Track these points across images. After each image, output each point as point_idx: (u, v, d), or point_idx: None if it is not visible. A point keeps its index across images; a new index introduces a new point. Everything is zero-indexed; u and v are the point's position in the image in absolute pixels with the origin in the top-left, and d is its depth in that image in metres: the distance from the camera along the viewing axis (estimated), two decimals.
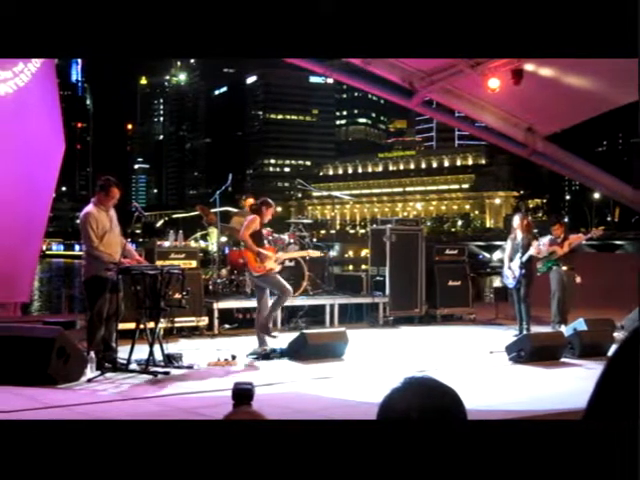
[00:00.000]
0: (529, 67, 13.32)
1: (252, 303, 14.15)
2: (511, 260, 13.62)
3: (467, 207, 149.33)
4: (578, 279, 14.06)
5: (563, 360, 10.92)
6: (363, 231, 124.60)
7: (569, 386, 9.01)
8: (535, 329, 13.42)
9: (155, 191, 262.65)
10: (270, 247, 11.82)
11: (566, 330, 12.26)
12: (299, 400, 8.15)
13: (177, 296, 10.81)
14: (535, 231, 14.61)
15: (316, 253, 13.36)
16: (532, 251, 13.43)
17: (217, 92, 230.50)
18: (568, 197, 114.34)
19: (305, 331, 11.21)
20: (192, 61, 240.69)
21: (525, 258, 13.38)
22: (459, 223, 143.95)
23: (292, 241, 14.83)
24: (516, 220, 13.98)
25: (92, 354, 9.40)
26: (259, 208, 11.53)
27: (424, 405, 1.70)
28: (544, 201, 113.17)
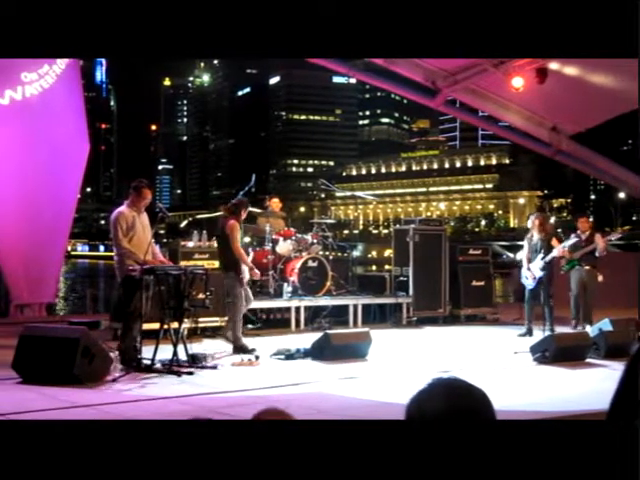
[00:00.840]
0: (553, 66, 13.25)
1: (276, 303, 14.21)
2: (530, 261, 13.55)
3: (491, 207, 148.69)
4: (600, 277, 14.00)
5: (588, 361, 10.85)
6: (386, 231, 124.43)
7: (593, 387, 8.94)
8: (558, 329, 13.36)
9: (179, 192, 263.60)
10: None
11: (591, 330, 12.19)
12: (323, 400, 8.14)
13: (201, 296, 10.84)
14: (559, 230, 14.56)
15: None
16: (555, 252, 13.37)
17: (240, 93, 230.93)
18: (593, 197, 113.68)
19: (328, 331, 11.19)
20: (215, 62, 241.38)
21: (548, 259, 13.32)
22: (483, 223, 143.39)
23: (315, 241, 14.84)
24: (531, 220, 13.98)
25: (117, 354, 9.46)
26: (238, 211, 11.70)
27: (453, 406, 1.69)
28: (568, 201, 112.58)
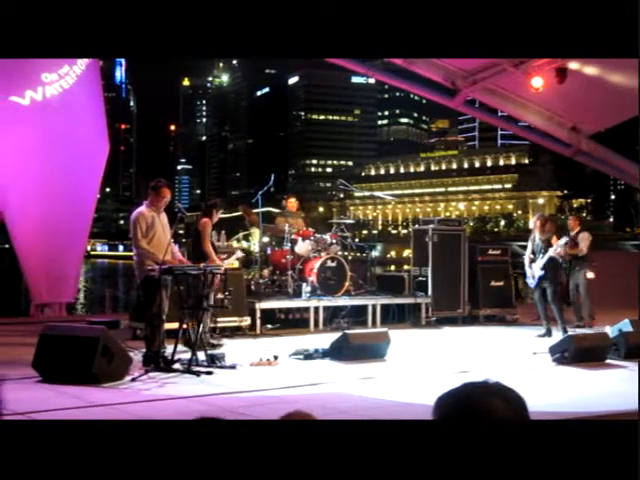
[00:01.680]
0: (573, 65, 13.18)
1: (294, 303, 14.21)
2: (532, 261, 13.62)
3: (510, 207, 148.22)
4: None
5: (608, 361, 10.80)
6: (405, 231, 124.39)
7: (614, 387, 8.90)
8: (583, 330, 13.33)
9: (198, 192, 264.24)
10: (218, 256, 12.12)
11: (611, 331, 12.14)
12: (343, 400, 8.14)
13: (219, 296, 10.85)
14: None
15: (238, 255, 13.34)
16: (551, 252, 13.37)
17: (259, 93, 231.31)
18: (613, 197, 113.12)
19: (347, 331, 11.18)
20: (234, 62, 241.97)
21: (545, 259, 13.34)
22: (502, 223, 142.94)
23: (334, 241, 14.83)
24: (533, 221, 14.11)
25: (136, 352, 9.49)
26: (210, 211, 11.94)
27: (490, 408, 1.69)
28: (588, 201, 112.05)
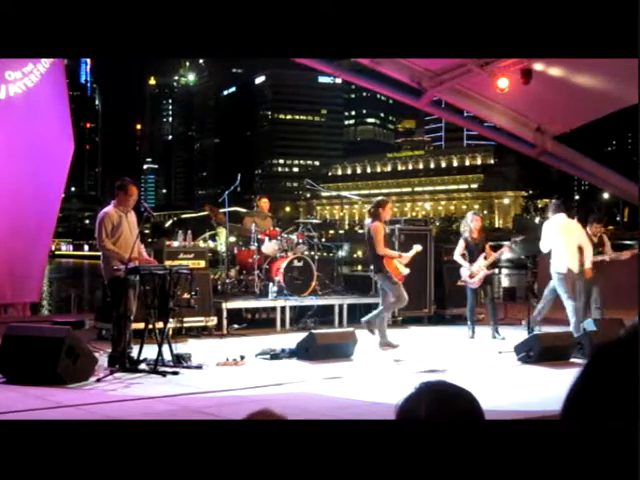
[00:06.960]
0: (538, 67, 13.28)
1: (261, 303, 14.19)
2: (470, 260, 13.60)
3: (476, 207, 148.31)
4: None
5: (572, 360, 10.89)
6: None
7: None
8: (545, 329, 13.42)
9: (164, 191, 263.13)
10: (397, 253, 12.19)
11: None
12: (309, 400, 8.14)
13: (186, 296, 10.82)
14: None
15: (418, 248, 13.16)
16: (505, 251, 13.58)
17: (226, 92, 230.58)
18: (577, 197, 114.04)
19: (314, 331, 11.20)
20: (201, 61, 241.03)
21: (496, 258, 13.51)
22: None
23: (301, 241, 14.84)
24: (475, 220, 13.92)
25: (101, 353, 9.44)
26: (376, 212, 12.02)
27: (440, 410, 1.69)
28: (553, 201, 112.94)
